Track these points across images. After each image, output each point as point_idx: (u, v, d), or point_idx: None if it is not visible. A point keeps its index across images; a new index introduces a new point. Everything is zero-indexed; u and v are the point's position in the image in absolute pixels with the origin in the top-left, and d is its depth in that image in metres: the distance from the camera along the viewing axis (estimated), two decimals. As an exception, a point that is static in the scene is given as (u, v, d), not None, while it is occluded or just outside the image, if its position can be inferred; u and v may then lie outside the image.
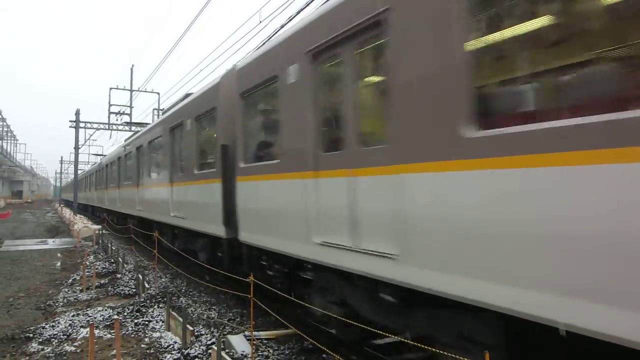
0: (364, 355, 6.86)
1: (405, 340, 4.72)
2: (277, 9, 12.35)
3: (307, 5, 10.68)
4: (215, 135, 10.05)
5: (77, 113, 37.02)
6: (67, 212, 45.30)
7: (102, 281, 13.67)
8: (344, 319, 5.65)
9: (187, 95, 13.24)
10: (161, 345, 8.05)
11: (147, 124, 24.18)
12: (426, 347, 4.32)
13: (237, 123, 8.63)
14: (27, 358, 7.83)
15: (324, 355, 6.90)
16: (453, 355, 3.90)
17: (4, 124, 59.74)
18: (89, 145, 56.52)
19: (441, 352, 4.12)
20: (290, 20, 11.41)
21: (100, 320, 9.49)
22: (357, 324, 5.29)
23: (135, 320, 9.38)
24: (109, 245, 19.50)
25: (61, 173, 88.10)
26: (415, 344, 4.51)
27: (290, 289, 7.16)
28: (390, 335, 5.06)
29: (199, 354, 7.39)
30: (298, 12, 10.96)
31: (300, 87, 6.33)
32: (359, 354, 6.87)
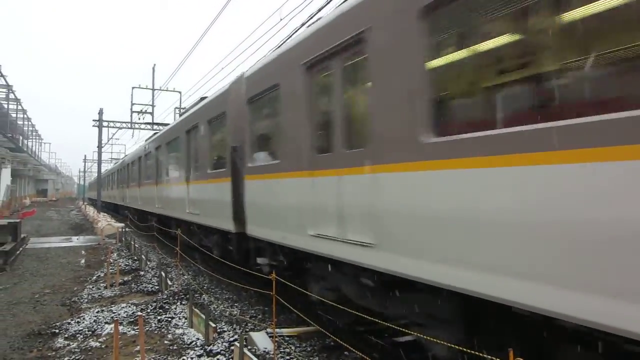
0: (385, 352, 6.84)
1: (427, 338, 4.69)
2: (297, 7, 12.36)
3: (328, 3, 10.64)
4: None
5: (100, 112, 37.47)
6: (90, 210, 45.92)
7: (126, 278, 13.84)
8: (361, 314, 5.63)
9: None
10: (184, 341, 8.12)
11: (167, 124, 23.17)
12: (446, 343, 4.30)
13: None
14: (54, 353, 7.96)
15: (345, 353, 6.90)
16: (474, 352, 3.88)
17: (30, 123, 60.87)
18: (112, 144, 57.36)
19: (462, 348, 4.09)
20: (311, 18, 11.37)
21: (124, 317, 9.61)
22: (373, 319, 5.32)
23: (159, 317, 9.48)
24: (132, 243, 19.73)
25: (84, 172, 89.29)
26: (437, 341, 4.49)
27: None
28: (412, 333, 5.03)
29: (221, 350, 7.44)
30: (319, 10, 10.93)
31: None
32: (380, 351, 6.85)
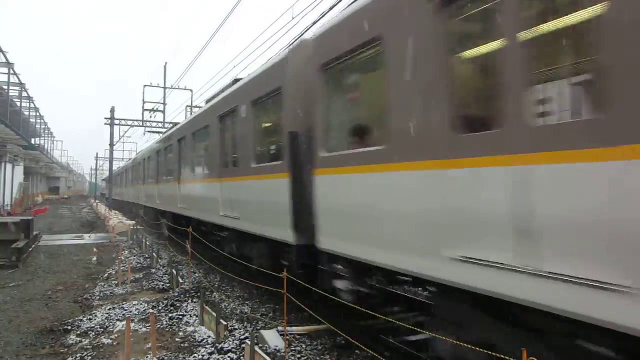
0: (396, 351, 6.81)
1: (437, 336, 4.67)
2: (309, 5, 12.32)
3: (340, 1, 10.61)
4: None
5: (112, 110, 37.69)
6: (102, 208, 46.21)
7: (137, 276, 13.92)
8: (372, 312, 5.61)
9: None
10: (195, 339, 8.15)
11: (177, 123, 22.61)
12: (458, 342, 4.28)
13: None
14: (66, 350, 8.01)
15: (356, 351, 6.88)
16: (485, 351, 3.86)
17: (42, 121, 61.23)
18: (123, 142, 57.61)
19: (472, 347, 4.06)
20: (323, 16, 11.35)
21: (136, 314, 9.66)
22: (382, 317, 5.32)
23: (170, 315, 9.51)
24: (143, 241, 19.82)
25: (96, 170, 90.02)
26: (447, 339, 4.46)
27: None
28: (422, 331, 5.01)
29: (232, 348, 7.44)
30: (330, 8, 10.90)
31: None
32: (391, 349, 6.81)
